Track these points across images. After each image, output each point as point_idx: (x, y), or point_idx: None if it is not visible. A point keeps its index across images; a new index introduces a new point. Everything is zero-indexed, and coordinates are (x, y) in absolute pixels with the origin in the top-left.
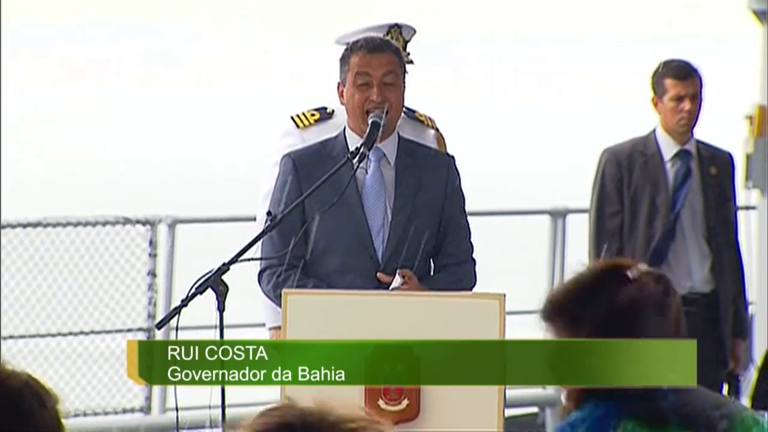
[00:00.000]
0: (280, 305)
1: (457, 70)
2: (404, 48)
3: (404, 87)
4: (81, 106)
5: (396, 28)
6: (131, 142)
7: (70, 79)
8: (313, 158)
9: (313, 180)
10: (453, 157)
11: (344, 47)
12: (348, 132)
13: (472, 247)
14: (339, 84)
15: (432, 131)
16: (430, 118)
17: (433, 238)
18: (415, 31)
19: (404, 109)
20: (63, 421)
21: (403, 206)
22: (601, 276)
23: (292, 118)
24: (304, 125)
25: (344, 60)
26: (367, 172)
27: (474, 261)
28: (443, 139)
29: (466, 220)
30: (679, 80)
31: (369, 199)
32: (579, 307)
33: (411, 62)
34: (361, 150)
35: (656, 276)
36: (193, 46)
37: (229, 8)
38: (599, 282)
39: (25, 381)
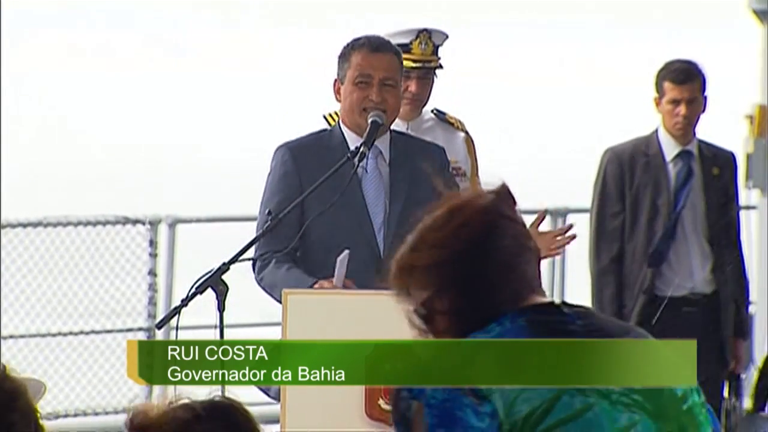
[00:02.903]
0: (270, 292)
1: (450, 66)
2: (435, 53)
3: (401, 87)
4: (80, 100)
5: (425, 33)
6: (131, 138)
7: (70, 69)
8: (311, 150)
9: (311, 171)
10: (443, 148)
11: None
12: (343, 127)
13: None
14: (336, 81)
15: (462, 134)
16: (459, 121)
17: None
18: (446, 36)
19: (435, 111)
20: (38, 410)
21: (398, 200)
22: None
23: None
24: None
25: (344, 57)
26: (366, 171)
27: None
28: (472, 142)
29: None
30: (677, 84)
31: (370, 197)
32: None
33: (440, 67)
34: (361, 149)
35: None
36: (194, 41)
37: None
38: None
39: None
